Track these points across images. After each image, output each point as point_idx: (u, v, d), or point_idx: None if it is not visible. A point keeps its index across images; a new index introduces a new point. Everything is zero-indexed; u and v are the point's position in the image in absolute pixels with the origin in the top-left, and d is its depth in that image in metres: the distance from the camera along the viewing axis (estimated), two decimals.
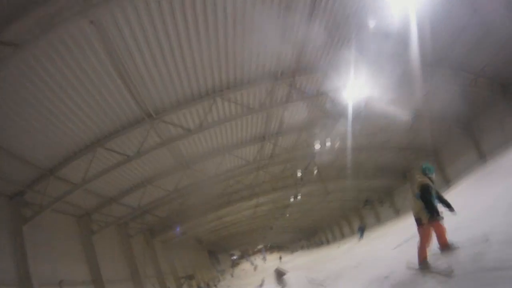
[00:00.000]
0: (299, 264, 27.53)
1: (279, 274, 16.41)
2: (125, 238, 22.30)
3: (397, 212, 36.21)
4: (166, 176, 18.35)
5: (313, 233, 72.86)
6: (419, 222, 6.85)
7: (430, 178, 7.00)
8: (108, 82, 10.33)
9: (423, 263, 6.71)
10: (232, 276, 55.20)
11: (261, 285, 18.79)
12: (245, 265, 72.82)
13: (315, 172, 26.35)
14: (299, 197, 31.41)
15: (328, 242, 57.89)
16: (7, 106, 9.31)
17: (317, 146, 19.60)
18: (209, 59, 11.03)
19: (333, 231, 60.28)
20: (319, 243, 66.95)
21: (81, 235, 17.35)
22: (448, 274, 5.68)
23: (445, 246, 6.77)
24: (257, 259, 77.03)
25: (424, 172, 7.10)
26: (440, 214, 6.61)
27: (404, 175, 32.34)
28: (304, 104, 15.57)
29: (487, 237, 6.17)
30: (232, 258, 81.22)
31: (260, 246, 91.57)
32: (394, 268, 8.00)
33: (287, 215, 41.94)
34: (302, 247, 75.81)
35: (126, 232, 22.55)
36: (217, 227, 37.23)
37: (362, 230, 31.72)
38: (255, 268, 58.22)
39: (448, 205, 6.99)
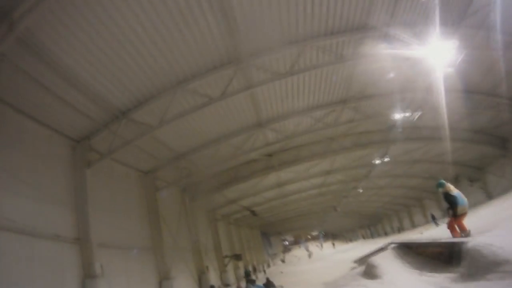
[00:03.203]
0: None
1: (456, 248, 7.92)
2: (150, 189, 15.57)
3: (489, 196, 28.16)
4: None
5: (375, 222, 63.93)
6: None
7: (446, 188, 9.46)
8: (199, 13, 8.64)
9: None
10: (283, 261, 49.90)
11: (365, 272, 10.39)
12: (298, 252, 66.67)
13: (415, 117, 17.89)
14: (386, 159, 23.04)
15: (398, 231, 48.14)
16: (85, 37, 8.01)
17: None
18: None
19: (401, 220, 50.97)
20: (382, 234, 57.81)
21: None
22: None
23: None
24: (312, 246, 69.92)
25: (441, 186, 9.52)
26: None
27: (503, 144, 23.95)
28: None
29: None
30: (284, 243, 74.93)
31: (314, 233, 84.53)
32: None
33: (359, 190, 33.58)
34: (363, 236, 67.35)
35: (152, 182, 15.78)
36: (277, 198, 29.55)
37: (434, 218, 32.23)
38: (310, 255, 52.14)
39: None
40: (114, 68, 9.34)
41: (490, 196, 28.23)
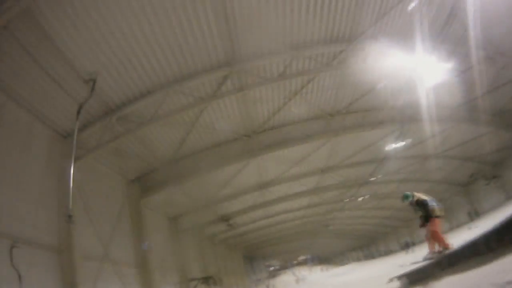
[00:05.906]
0: None
1: None
2: (66, 159, 9.83)
3: (509, 195, 23.99)
4: None
5: (368, 243, 58.98)
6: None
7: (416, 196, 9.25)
8: None
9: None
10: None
11: None
12: (285, 277, 60.62)
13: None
14: (401, 143, 17.91)
15: (405, 250, 42.32)
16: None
17: None
18: None
19: (399, 238, 46.12)
20: (383, 253, 52.18)
21: None
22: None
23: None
24: (300, 271, 64.09)
25: (407, 197, 9.25)
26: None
27: None
28: None
29: None
30: (269, 268, 68.59)
31: (302, 257, 78.61)
32: None
33: (360, 199, 28.15)
34: (358, 259, 62.03)
35: (69, 150, 10.00)
36: (258, 206, 23.41)
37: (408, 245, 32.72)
38: (298, 280, 46.95)
39: None
40: None
41: (510, 195, 23.82)
